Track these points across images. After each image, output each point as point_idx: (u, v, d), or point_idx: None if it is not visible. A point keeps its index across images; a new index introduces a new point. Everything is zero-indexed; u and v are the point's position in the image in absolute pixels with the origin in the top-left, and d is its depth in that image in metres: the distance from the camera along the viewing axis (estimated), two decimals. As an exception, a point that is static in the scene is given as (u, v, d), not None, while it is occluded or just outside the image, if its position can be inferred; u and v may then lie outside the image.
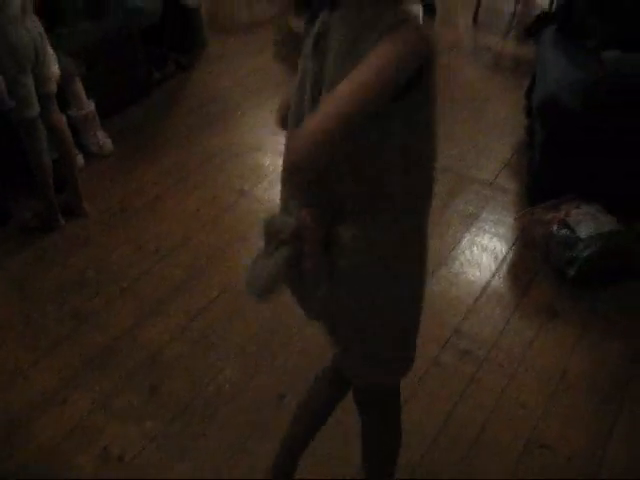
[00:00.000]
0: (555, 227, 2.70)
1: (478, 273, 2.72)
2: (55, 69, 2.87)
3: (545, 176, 2.99)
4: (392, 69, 1.13)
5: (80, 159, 3.40)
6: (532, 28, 3.52)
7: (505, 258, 2.79)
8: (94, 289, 2.72)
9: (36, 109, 2.78)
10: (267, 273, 1.40)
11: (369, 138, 1.24)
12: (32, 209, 3.11)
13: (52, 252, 2.93)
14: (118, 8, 3.96)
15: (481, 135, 3.59)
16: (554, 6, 4.18)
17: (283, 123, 1.43)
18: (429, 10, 4.91)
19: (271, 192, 3.12)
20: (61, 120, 3.01)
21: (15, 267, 2.86)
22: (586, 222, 2.68)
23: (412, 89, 1.17)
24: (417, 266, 1.46)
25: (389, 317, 1.47)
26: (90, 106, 3.46)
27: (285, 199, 1.45)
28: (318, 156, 1.17)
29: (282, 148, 1.31)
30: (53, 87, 2.88)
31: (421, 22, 1.21)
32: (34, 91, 2.75)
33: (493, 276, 2.70)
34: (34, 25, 2.69)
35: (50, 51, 2.83)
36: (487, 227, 2.95)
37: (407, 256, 1.42)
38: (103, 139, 3.52)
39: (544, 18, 3.54)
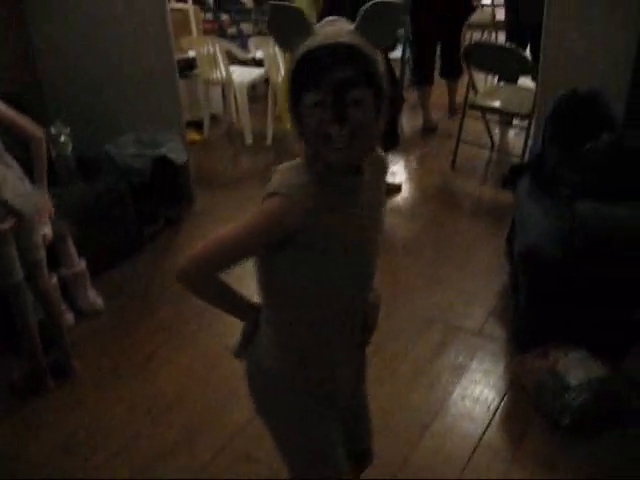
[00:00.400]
0: (545, 375, 2.73)
1: (471, 425, 2.71)
2: (48, 231, 2.93)
3: (531, 323, 3.04)
4: (246, 236, 1.39)
5: (70, 318, 3.42)
6: (507, 179, 3.68)
7: (498, 408, 2.79)
8: (85, 453, 2.67)
9: (19, 276, 2.80)
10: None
11: (260, 270, 1.49)
12: (20, 369, 3.07)
13: (42, 414, 2.90)
14: (110, 168, 4.12)
15: (466, 282, 3.68)
16: (527, 156, 4.40)
17: None
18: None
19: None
20: (49, 284, 3.03)
21: (2, 432, 2.82)
22: (575, 369, 2.71)
23: (286, 247, 1.38)
24: (299, 394, 1.59)
25: (280, 429, 1.66)
26: (81, 265, 3.52)
27: None
28: (189, 276, 1.44)
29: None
30: (41, 254, 2.89)
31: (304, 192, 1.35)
32: (16, 258, 2.77)
33: (487, 428, 2.69)
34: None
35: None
36: (477, 377, 2.96)
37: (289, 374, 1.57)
38: (94, 297, 3.57)
39: (518, 169, 3.70)
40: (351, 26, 1.33)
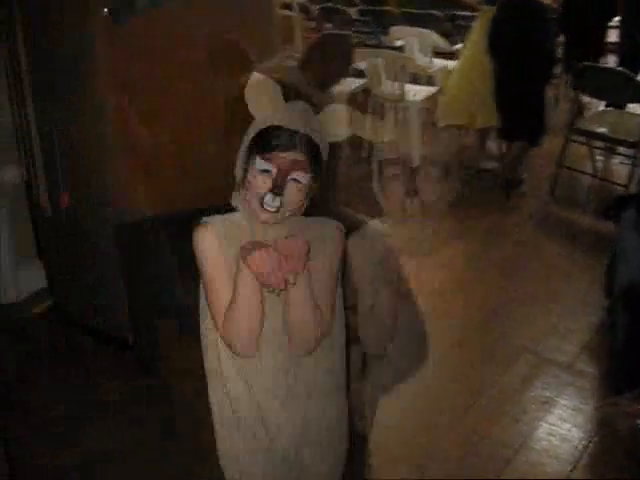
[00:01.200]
0: (641, 421, 2.58)
1: (557, 464, 2.57)
2: None
3: (629, 363, 2.87)
4: None
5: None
6: (611, 209, 3.51)
7: (585, 450, 2.63)
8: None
9: None
10: None
11: None
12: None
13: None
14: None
15: (560, 312, 3.52)
16: (632, 186, 4.19)
17: None
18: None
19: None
20: None
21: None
22: (674, 418, 2.54)
23: None
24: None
25: None
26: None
27: None
28: None
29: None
30: None
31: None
32: None
33: (572, 470, 2.54)
34: None
35: None
36: (565, 415, 2.81)
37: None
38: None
39: (623, 200, 3.53)
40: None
